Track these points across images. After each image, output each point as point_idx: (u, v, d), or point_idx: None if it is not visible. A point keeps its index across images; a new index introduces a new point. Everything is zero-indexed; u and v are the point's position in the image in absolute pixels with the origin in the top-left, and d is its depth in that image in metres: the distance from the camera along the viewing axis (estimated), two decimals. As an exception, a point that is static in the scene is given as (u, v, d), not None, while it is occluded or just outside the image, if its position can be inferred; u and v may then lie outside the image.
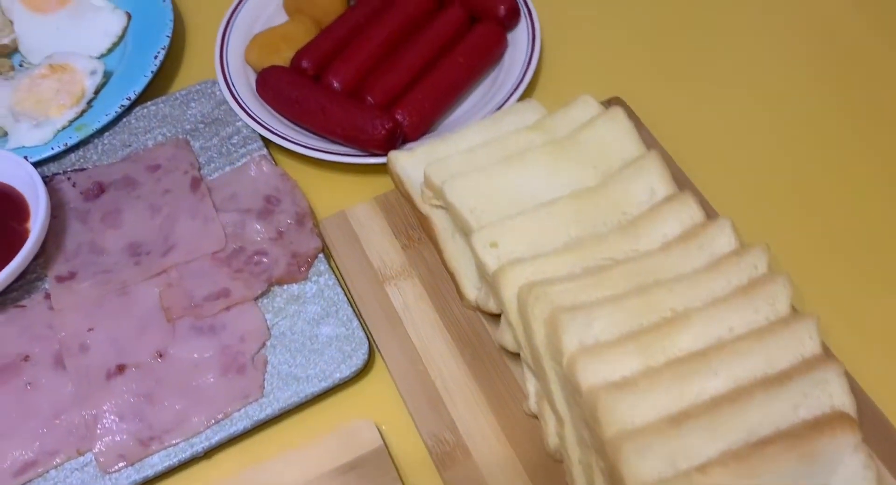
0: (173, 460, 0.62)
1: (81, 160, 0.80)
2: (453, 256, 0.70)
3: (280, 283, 0.71)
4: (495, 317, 0.67)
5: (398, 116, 0.78)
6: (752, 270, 0.59)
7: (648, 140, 0.77)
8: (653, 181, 0.65)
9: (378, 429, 0.63)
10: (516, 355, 0.64)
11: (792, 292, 0.58)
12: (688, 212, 0.63)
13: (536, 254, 0.61)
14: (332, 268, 0.72)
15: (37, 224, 0.70)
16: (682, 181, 0.73)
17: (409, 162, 0.75)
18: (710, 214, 0.70)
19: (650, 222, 0.62)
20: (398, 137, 0.78)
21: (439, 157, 0.73)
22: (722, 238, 0.61)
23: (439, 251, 0.71)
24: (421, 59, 0.84)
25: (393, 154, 0.75)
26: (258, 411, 0.64)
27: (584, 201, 0.64)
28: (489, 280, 0.62)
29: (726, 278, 0.59)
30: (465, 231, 0.67)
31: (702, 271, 0.59)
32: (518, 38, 0.88)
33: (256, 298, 0.70)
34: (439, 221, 0.71)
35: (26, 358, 0.67)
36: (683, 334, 0.56)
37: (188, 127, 0.82)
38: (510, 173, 0.67)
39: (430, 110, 0.81)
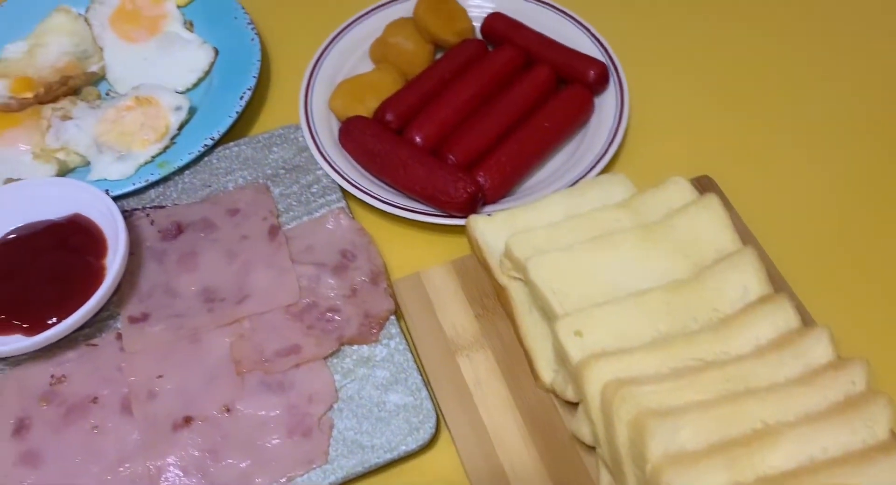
0: (233, 521, 0.62)
1: (161, 197, 0.81)
2: (530, 332, 0.68)
3: (351, 343, 0.70)
4: (570, 402, 0.65)
5: (479, 178, 0.78)
6: (849, 386, 0.57)
7: (741, 229, 0.74)
8: (747, 279, 0.62)
9: (439, 507, 0.62)
10: (591, 447, 0.63)
11: (893, 416, 0.55)
12: (783, 316, 0.60)
13: (623, 348, 0.59)
14: (403, 331, 0.71)
15: (115, 264, 0.70)
16: (777, 280, 0.70)
17: (489, 228, 0.74)
18: (806, 319, 0.67)
19: (743, 324, 0.60)
20: (479, 201, 0.77)
21: (521, 226, 0.72)
22: (818, 349, 0.59)
23: (515, 325, 0.69)
24: (506, 120, 0.83)
25: (472, 218, 0.74)
26: (321, 478, 0.63)
27: (675, 295, 0.62)
28: (571, 370, 0.60)
29: (822, 393, 0.56)
30: (546, 312, 0.66)
31: (796, 383, 0.57)
32: (605, 104, 0.86)
33: (326, 357, 0.69)
34: (517, 293, 0.70)
35: (95, 400, 0.68)
36: (775, 451, 0.54)
37: (269, 171, 0.82)
38: (597, 255, 0.65)
39: (511, 174, 0.80)
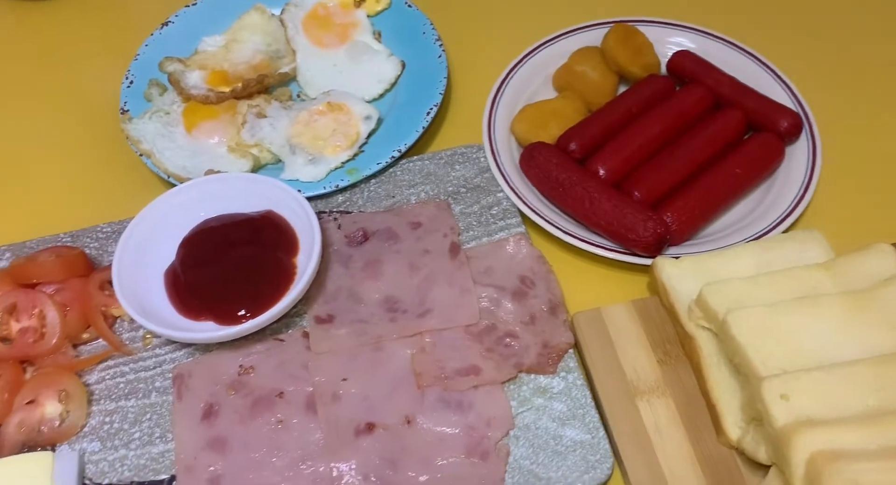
0: (407, 534, 0.63)
1: (347, 203, 0.83)
2: (717, 385, 0.67)
3: (528, 372, 0.70)
4: (755, 461, 0.64)
5: (666, 219, 0.77)
6: None
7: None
8: (967, 362, 0.60)
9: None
10: (774, 510, 0.61)
11: None
12: None
13: (830, 417, 0.57)
14: (581, 365, 0.71)
15: (310, 264, 0.73)
16: None
17: (675, 272, 0.73)
18: None
19: (962, 409, 0.58)
20: (666, 243, 0.76)
21: (709, 274, 0.71)
22: None
23: (701, 377, 0.68)
24: (693, 161, 0.82)
25: (660, 261, 0.74)
26: (496, 504, 0.64)
27: (885, 369, 0.60)
28: (773, 432, 0.59)
29: None
30: (741, 369, 0.64)
31: None
32: (794, 155, 0.84)
33: (504, 383, 0.70)
34: (705, 344, 0.69)
35: (280, 395, 0.70)
36: None
37: (450, 188, 0.84)
38: (801, 317, 0.64)
39: (698, 218, 0.79)
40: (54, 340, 0.71)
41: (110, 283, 0.75)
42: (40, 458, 0.65)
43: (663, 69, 0.93)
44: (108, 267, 0.76)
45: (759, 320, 0.63)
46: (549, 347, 0.71)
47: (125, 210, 0.83)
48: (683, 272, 0.73)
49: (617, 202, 0.77)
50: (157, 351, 0.74)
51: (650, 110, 0.86)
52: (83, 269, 0.76)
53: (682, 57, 0.92)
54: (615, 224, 0.76)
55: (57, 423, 0.69)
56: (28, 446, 0.68)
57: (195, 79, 0.92)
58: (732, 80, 0.89)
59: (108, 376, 0.72)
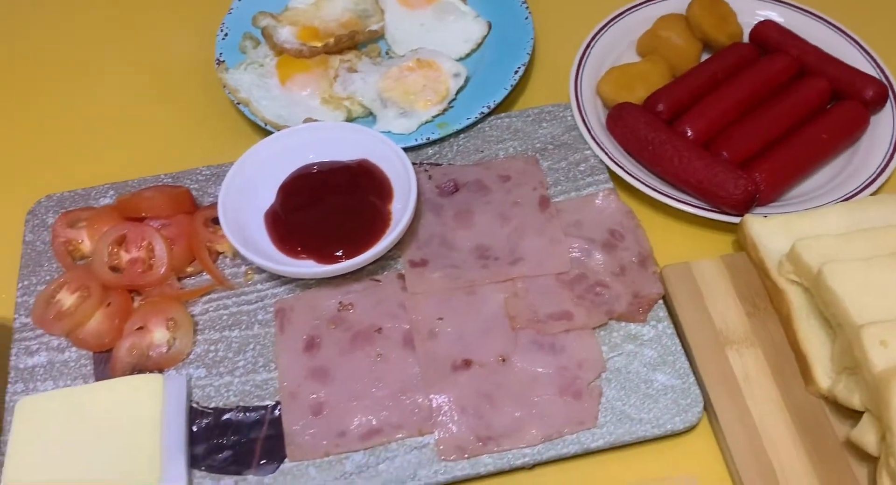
0: (503, 465, 0.65)
1: (437, 156, 0.86)
2: (807, 337, 0.69)
3: (619, 319, 0.72)
4: (841, 408, 0.65)
5: (755, 178, 0.78)
6: None
7: None
8: None
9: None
10: (863, 455, 0.63)
11: None
12: None
13: (929, 364, 0.59)
14: (670, 316, 0.73)
15: (407, 211, 0.75)
16: None
17: (764, 229, 0.74)
18: None
19: None
20: (754, 201, 0.78)
21: (798, 233, 0.72)
22: None
23: (790, 329, 0.70)
24: (780, 125, 0.83)
25: (749, 218, 0.75)
26: (590, 440, 0.66)
27: (984, 322, 0.61)
28: (870, 378, 0.60)
29: None
30: (836, 319, 0.66)
31: None
32: (879, 123, 0.85)
33: (595, 328, 0.72)
34: (795, 297, 0.70)
35: (379, 330, 0.73)
36: None
37: (538, 145, 0.86)
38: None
39: (786, 179, 0.80)
40: (162, 271, 0.74)
41: (213, 221, 0.79)
42: (151, 379, 0.68)
43: (745, 39, 0.95)
44: (212, 206, 0.80)
45: (856, 274, 0.65)
46: (639, 297, 0.73)
47: (221, 155, 0.86)
48: (772, 230, 0.74)
49: (707, 161, 0.79)
50: (258, 287, 0.77)
51: (735, 76, 0.87)
52: (188, 206, 0.79)
53: (766, 26, 0.93)
54: (705, 182, 0.78)
55: (164, 349, 0.72)
56: (138, 369, 0.71)
57: (286, 34, 0.95)
58: (817, 50, 0.90)
59: (211, 308, 0.75)
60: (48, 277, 0.77)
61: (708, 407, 0.68)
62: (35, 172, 0.88)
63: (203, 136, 0.91)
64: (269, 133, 0.84)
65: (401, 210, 0.77)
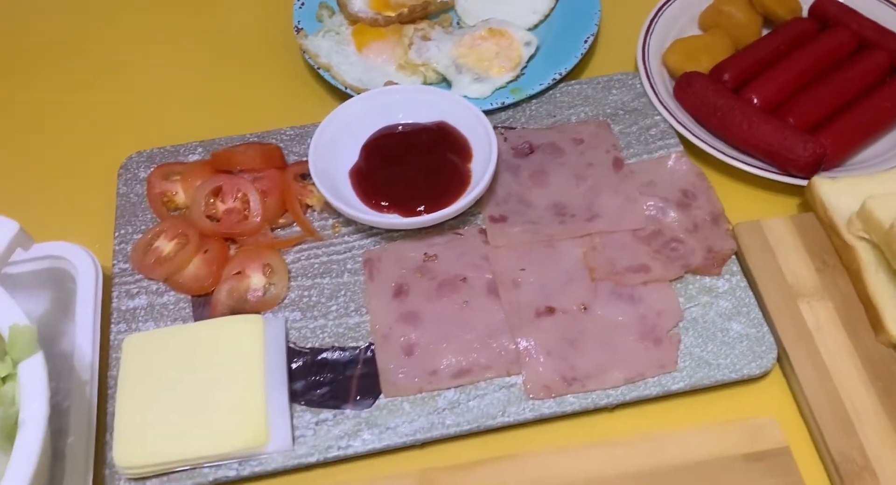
0: (588, 404, 0.69)
1: (510, 120, 0.89)
2: (876, 290, 0.72)
3: (694, 273, 0.76)
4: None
5: (822, 142, 0.82)
6: None
7: None
8: None
9: (779, 431, 0.67)
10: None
11: None
12: None
13: None
14: (742, 271, 0.76)
15: (489, 169, 0.78)
16: None
17: (833, 190, 0.78)
18: None
19: None
20: (821, 164, 0.81)
21: (867, 193, 0.75)
22: None
23: (860, 283, 0.73)
24: (843, 94, 0.86)
25: (817, 179, 0.79)
26: (670, 382, 0.70)
27: None
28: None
29: None
30: (909, 270, 0.69)
31: None
32: (938, 96, 0.89)
33: (671, 281, 0.76)
34: (864, 253, 0.74)
35: (464, 279, 0.76)
36: None
37: (608, 111, 0.89)
38: (967, 226, 0.68)
39: (850, 143, 0.84)
40: (257, 220, 0.78)
41: (303, 176, 0.83)
42: (252, 319, 0.72)
43: (805, 14, 0.98)
44: (301, 162, 0.84)
45: (928, 227, 0.68)
46: (713, 252, 0.77)
47: (303, 118, 0.89)
48: (840, 191, 0.78)
49: (776, 125, 0.82)
50: (346, 239, 0.80)
51: (797, 49, 0.90)
52: (278, 161, 0.83)
53: (825, 2, 0.96)
54: (774, 145, 0.81)
55: (261, 293, 0.76)
56: (236, 311, 0.75)
57: (359, 4, 0.98)
58: (875, 24, 0.93)
59: (302, 258, 0.79)
60: (143, 227, 0.81)
61: (781, 355, 0.71)
62: (125, 131, 0.92)
63: (284, 99, 0.94)
64: (348, 97, 0.87)
65: (480, 169, 0.81)
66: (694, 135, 0.85)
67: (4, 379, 0.59)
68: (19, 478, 0.54)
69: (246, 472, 0.66)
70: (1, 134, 0.94)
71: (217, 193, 0.80)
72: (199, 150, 0.87)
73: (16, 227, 0.66)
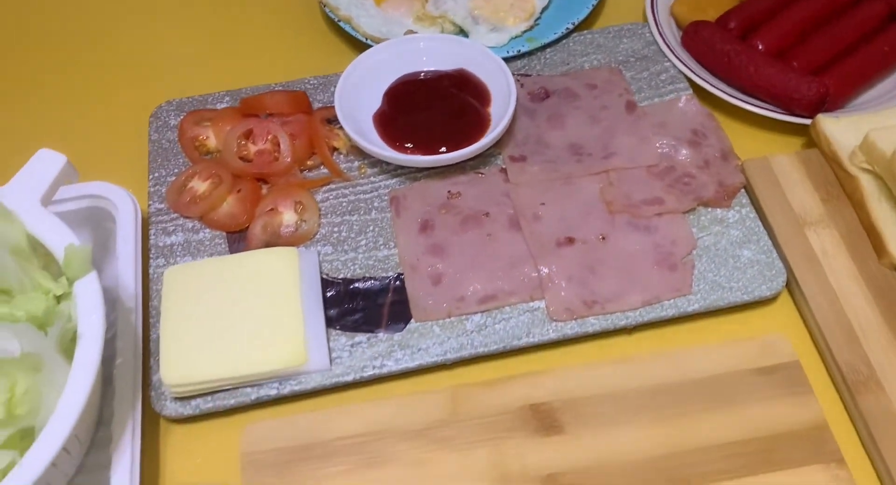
0: (608, 325, 0.73)
1: (526, 67, 0.93)
2: (878, 216, 0.76)
3: (706, 205, 0.80)
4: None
5: (825, 82, 0.86)
6: None
7: None
8: None
9: (789, 347, 0.72)
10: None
11: None
12: None
13: None
14: (752, 203, 0.80)
15: (509, 109, 0.82)
16: None
17: (836, 126, 0.82)
18: None
19: None
20: (825, 103, 0.85)
21: (869, 127, 0.79)
22: None
23: (863, 211, 0.77)
24: (844, 40, 0.90)
25: (821, 117, 0.83)
26: (686, 305, 0.73)
27: None
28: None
29: None
30: (910, 196, 0.73)
31: None
32: (935, 41, 0.93)
33: (684, 213, 0.79)
34: (867, 183, 0.78)
35: (486, 214, 0.80)
36: None
37: (620, 58, 0.92)
38: (964, 153, 0.72)
39: (852, 85, 0.88)
40: (287, 161, 0.81)
41: (328, 121, 0.86)
42: (287, 250, 0.75)
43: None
44: (326, 107, 0.87)
45: (927, 154, 0.72)
46: (723, 186, 0.80)
47: (325, 69, 0.92)
48: (843, 128, 0.82)
49: (781, 67, 0.86)
50: (372, 179, 0.84)
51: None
52: (305, 106, 0.86)
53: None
54: (779, 86, 0.85)
55: (293, 229, 0.79)
56: (270, 245, 0.78)
57: (376, -41, 1.02)
58: (877, -25, 0.97)
59: (331, 197, 0.82)
60: (176, 171, 0.84)
61: (790, 278, 0.75)
62: (153, 80, 0.96)
63: (307, 50, 0.98)
64: (369, 47, 0.91)
65: (499, 112, 0.85)
66: (701, 78, 0.89)
67: (60, 298, 0.63)
68: (81, 385, 0.58)
69: (286, 391, 0.70)
70: (36, 82, 0.97)
71: (248, 135, 0.83)
72: (227, 99, 0.90)
73: (63, 160, 0.69)
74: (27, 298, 0.59)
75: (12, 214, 0.64)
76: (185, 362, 0.68)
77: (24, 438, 0.57)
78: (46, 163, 0.69)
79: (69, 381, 0.58)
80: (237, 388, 0.70)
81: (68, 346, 0.61)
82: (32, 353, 0.55)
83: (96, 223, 0.80)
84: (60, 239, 0.64)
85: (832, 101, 0.86)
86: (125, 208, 0.77)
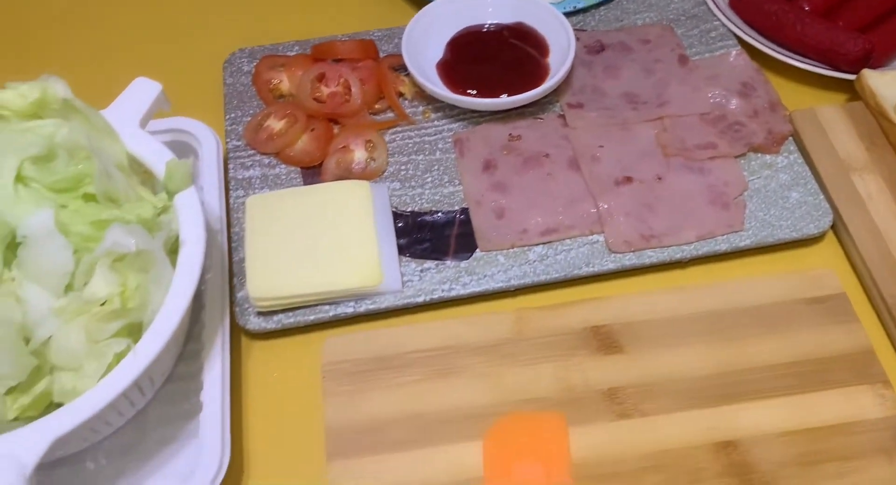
0: (664, 257, 0.77)
1: (581, 23, 0.97)
2: (923, 163, 0.80)
3: (756, 151, 0.84)
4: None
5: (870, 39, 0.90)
6: None
7: None
8: None
9: (835, 282, 0.76)
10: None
11: None
12: None
13: None
14: (799, 150, 0.84)
15: (568, 58, 0.86)
16: None
17: (881, 80, 0.86)
18: None
19: None
20: (870, 58, 0.89)
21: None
22: None
23: (907, 157, 0.81)
24: (888, 1, 0.94)
25: (867, 71, 0.87)
26: (738, 240, 0.77)
27: None
28: None
29: None
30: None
31: None
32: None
33: (735, 157, 0.83)
34: (911, 132, 0.82)
35: (546, 155, 0.84)
36: None
37: (671, 16, 0.97)
38: None
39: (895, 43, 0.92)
40: (358, 102, 0.86)
41: (394, 68, 0.91)
42: (360, 184, 0.79)
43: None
44: (393, 55, 0.91)
45: (973, 101, 0.76)
46: (772, 134, 0.84)
47: (389, 21, 0.97)
48: (888, 82, 0.85)
49: (827, 25, 0.90)
50: (436, 123, 0.88)
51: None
52: (373, 53, 0.91)
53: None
54: (826, 42, 0.89)
55: (363, 165, 0.83)
56: (342, 179, 0.83)
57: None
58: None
59: (397, 138, 0.87)
60: (251, 111, 0.89)
61: (836, 220, 0.79)
62: (226, 30, 1.00)
63: (371, 4, 1.02)
64: (428, 2, 0.95)
65: (557, 62, 0.89)
66: (749, 35, 0.93)
67: (160, 212, 0.67)
68: (185, 285, 0.62)
69: (361, 309, 0.75)
70: (118, 27, 1.03)
71: (321, 78, 0.88)
72: (296, 48, 0.95)
73: (159, 87, 0.74)
74: (136, 205, 0.64)
75: (116, 133, 0.69)
76: (270, 278, 0.73)
77: (133, 332, 0.62)
78: (143, 90, 0.73)
79: (174, 281, 0.63)
80: (316, 305, 0.74)
81: (170, 252, 0.66)
82: (146, 250, 0.60)
83: (179, 157, 0.85)
84: (160, 156, 0.69)
85: (876, 59, 0.90)
86: (208, 141, 0.82)
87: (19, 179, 0.62)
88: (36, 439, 0.56)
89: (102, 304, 0.59)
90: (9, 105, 0.66)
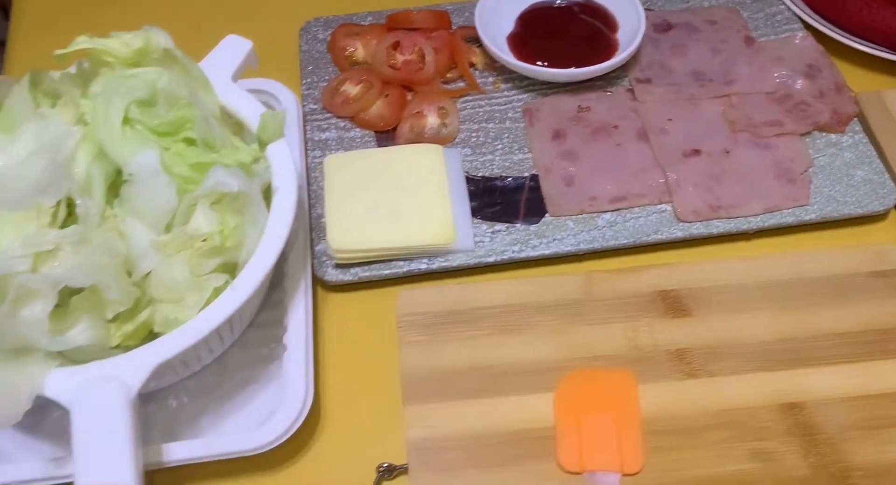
0: (731, 228, 0.78)
1: (648, 2, 0.99)
2: None
3: (821, 130, 0.85)
4: None
5: (939, 27, 0.91)
6: None
7: None
8: None
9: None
10: None
11: None
12: None
13: None
14: (864, 131, 0.86)
15: (639, 33, 0.88)
16: None
17: (948, 66, 0.87)
18: None
19: None
20: (938, 45, 0.90)
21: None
22: None
23: (973, 139, 0.82)
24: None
25: (933, 57, 0.88)
26: (803, 214, 0.79)
27: None
28: None
29: None
30: None
31: None
32: None
33: (801, 135, 0.85)
34: (976, 116, 0.83)
35: (615, 127, 0.86)
36: None
37: (736, 0, 0.99)
38: None
39: (963, 32, 0.93)
40: (431, 70, 0.88)
41: (466, 40, 0.93)
42: (434, 148, 0.82)
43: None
44: (465, 27, 0.94)
45: None
46: (837, 114, 0.86)
47: (457, -3, 1.01)
48: (954, 67, 0.87)
49: (893, 10, 0.91)
50: (506, 93, 0.90)
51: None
52: (447, 24, 0.93)
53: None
54: (894, 27, 0.91)
55: (436, 131, 0.86)
56: (415, 143, 0.85)
57: None
58: None
59: (468, 107, 0.89)
60: (326, 77, 0.92)
61: (902, 198, 0.81)
62: (299, 0, 1.03)
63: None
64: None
65: (626, 38, 0.91)
66: (813, 19, 0.95)
67: (255, 159, 0.70)
68: (280, 228, 0.65)
69: (434, 266, 0.77)
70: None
71: (396, 46, 0.90)
72: (369, 18, 0.98)
73: (249, 44, 0.77)
74: (233, 151, 0.67)
75: (211, 85, 0.72)
76: (349, 232, 0.76)
77: (228, 270, 0.64)
78: (235, 46, 0.76)
79: (268, 225, 0.65)
80: (391, 260, 0.77)
81: (265, 197, 0.68)
82: (245, 192, 0.63)
83: (258, 117, 0.88)
84: (254, 109, 0.72)
85: (942, 45, 0.92)
86: (288, 102, 0.85)
87: (126, 121, 0.65)
88: (140, 364, 0.59)
89: (204, 240, 0.62)
90: (113, 52, 0.69)
